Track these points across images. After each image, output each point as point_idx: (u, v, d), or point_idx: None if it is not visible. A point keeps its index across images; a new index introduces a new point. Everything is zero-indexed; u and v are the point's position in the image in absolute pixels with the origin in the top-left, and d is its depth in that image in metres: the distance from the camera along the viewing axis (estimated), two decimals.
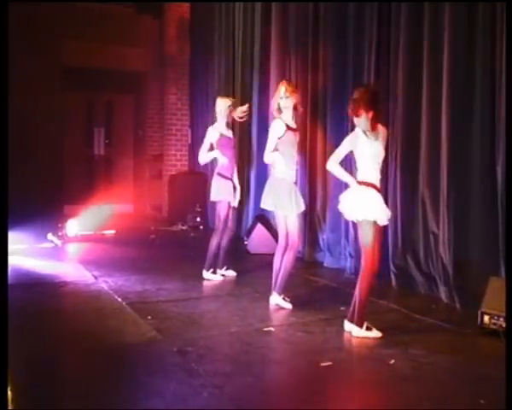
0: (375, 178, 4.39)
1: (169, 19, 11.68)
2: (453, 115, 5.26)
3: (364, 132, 4.38)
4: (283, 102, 5.15)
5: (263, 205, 5.33)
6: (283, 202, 5.12)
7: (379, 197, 4.38)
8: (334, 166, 4.47)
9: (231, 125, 6.52)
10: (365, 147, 4.40)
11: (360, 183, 4.39)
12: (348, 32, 6.69)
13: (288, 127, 5.17)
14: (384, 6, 6.15)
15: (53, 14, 10.28)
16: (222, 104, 6.33)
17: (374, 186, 4.36)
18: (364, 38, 6.39)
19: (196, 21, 11.27)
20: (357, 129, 4.44)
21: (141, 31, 11.87)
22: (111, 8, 11.40)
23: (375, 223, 4.30)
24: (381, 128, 4.44)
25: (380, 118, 4.46)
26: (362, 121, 4.35)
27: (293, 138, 5.23)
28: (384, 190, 5.49)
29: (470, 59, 5.16)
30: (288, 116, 5.21)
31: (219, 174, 6.20)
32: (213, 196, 6.22)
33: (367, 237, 4.32)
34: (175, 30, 11.68)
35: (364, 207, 4.32)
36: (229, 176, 6.23)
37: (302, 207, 5.31)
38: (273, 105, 5.25)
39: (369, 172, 4.38)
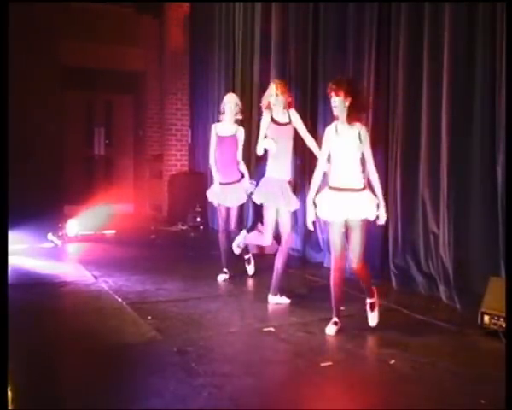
0: (350, 178, 4.32)
1: (169, 19, 11.68)
2: (453, 115, 5.26)
3: (336, 129, 4.40)
4: (273, 100, 5.25)
5: (256, 199, 5.41)
6: (275, 196, 5.21)
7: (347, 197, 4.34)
8: (316, 173, 4.52)
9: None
10: (334, 144, 4.42)
11: (331, 188, 4.42)
12: (348, 32, 6.69)
13: (274, 121, 5.26)
14: (384, 6, 6.15)
15: (52, 15, 10.31)
16: (232, 101, 6.29)
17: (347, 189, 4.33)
18: (364, 38, 6.39)
19: (196, 21, 11.27)
20: (327, 128, 4.47)
21: (141, 31, 11.87)
22: (110, 8, 11.40)
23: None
24: (358, 125, 4.36)
25: (359, 115, 4.41)
26: (338, 103, 4.33)
27: (282, 133, 5.27)
28: (384, 190, 5.49)
29: (470, 59, 5.16)
30: (277, 113, 5.29)
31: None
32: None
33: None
34: (175, 30, 11.68)
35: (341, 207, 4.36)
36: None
37: (294, 206, 5.37)
38: (263, 102, 5.35)
39: (341, 174, 4.36)
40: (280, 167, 5.26)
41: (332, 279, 4.50)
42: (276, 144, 5.18)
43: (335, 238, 4.44)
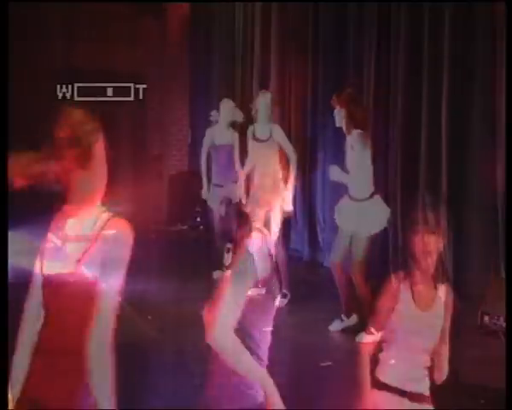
0: (355, 188, 4.38)
1: (169, 19, 11.68)
2: (453, 115, 5.26)
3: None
4: (262, 107, 5.41)
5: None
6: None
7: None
8: None
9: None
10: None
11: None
12: (348, 32, 6.69)
13: (255, 138, 5.50)
14: (384, 6, 6.16)
15: (52, 15, 10.30)
16: (226, 107, 6.31)
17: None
18: (364, 38, 6.39)
19: (196, 21, 11.27)
20: None
21: (141, 31, 11.86)
22: (110, 8, 11.39)
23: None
24: (354, 133, 4.36)
25: (357, 126, 4.39)
26: (336, 113, 4.44)
27: (262, 149, 5.43)
28: (384, 190, 5.50)
29: (470, 59, 5.16)
30: (260, 126, 5.47)
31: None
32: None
33: None
34: (175, 30, 11.68)
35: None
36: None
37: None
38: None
39: (349, 183, 4.44)
40: None
41: (336, 281, 4.52)
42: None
43: (338, 242, 4.45)
